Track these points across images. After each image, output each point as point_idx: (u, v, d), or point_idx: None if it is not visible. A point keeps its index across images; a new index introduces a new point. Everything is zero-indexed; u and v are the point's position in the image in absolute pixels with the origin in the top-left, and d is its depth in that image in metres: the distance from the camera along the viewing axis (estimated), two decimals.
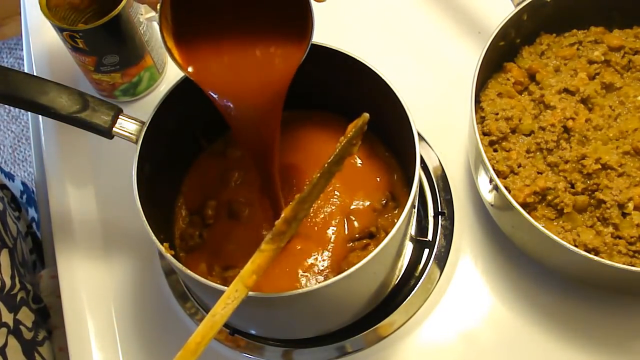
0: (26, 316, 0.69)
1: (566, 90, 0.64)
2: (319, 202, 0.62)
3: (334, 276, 0.48)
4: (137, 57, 0.75)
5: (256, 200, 0.63)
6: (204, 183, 0.66)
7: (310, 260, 0.60)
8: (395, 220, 0.51)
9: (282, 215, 0.48)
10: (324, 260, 0.60)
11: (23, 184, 0.98)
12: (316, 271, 0.59)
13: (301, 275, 0.59)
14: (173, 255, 0.53)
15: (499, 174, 0.61)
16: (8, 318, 0.66)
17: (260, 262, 0.47)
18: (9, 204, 0.82)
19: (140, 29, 0.72)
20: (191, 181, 0.66)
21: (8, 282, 0.68)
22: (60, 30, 0.69)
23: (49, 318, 0.75)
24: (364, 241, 0.61)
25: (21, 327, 0.67)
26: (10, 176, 0.96)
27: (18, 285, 0.70)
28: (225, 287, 0.48)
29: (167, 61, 0.81)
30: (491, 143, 0.63)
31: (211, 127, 0.66)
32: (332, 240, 0.61)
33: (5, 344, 0.64)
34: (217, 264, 0.61)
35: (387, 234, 0.50)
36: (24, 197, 0.96)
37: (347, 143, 0.49)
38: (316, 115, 0.68)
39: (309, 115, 0.67)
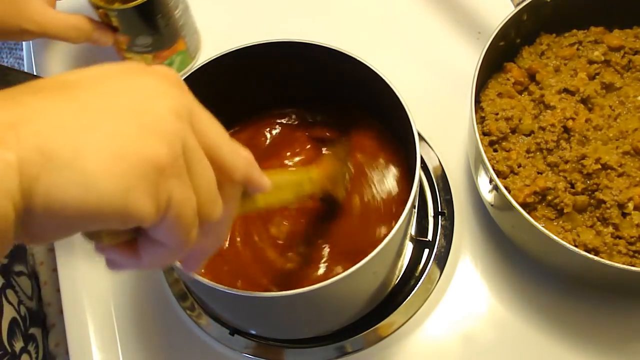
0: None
1: (566, 90, 0.64)
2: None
3: (338, 273, 0.48)
4: (170, 41, 0.75)
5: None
6: None
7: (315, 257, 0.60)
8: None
9: None
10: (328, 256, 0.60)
11: None
12: (321, 269, 0.59)
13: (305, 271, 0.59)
14: None
15: (499, 174, 0.61)
16: None
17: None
18: None
19: (175, 13, 0.73)
20: None
21: None
22: (95, 7, 0.69)
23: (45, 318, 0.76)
24: None
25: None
26: None
27: None
28: (224, 287, 0.48)
29: (201, 47, 0.82)
30: (491, 143, 0.63)
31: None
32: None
33: None
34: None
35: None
36: None
37: None
38: (315, 110, 0.68)
39: (308, 111, 0.68)
